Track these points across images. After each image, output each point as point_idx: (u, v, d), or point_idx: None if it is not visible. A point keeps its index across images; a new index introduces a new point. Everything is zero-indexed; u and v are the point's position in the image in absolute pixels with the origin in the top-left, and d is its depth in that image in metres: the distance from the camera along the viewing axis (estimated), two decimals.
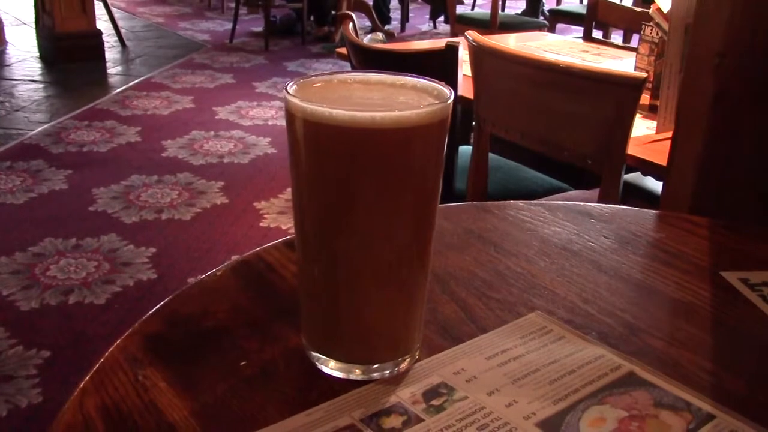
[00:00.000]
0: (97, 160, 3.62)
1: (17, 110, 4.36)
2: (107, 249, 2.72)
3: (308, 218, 0.51)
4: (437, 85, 0.51)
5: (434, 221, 0.53)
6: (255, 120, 4.36)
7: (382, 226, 0.50)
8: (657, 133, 1.68)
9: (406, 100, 0.51)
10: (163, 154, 3.72)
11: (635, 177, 2.09)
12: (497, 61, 1.68)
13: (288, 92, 0.48)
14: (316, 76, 0.51)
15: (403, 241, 0.51)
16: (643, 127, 1.72)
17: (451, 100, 0.49)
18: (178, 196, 3.22)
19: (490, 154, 2.05)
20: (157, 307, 0.60)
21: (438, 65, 1.85)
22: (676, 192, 1.17)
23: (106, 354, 0.54)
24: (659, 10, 1.73)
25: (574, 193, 2.02)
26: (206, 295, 0.63)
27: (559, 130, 1.62)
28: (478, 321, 0.61)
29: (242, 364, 0.54)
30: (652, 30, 1.84)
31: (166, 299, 0.61)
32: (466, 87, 1.89)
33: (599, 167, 1.57)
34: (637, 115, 1.77)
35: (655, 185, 2.05)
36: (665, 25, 1.72)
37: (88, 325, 2.26)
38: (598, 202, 1.60)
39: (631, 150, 1.55)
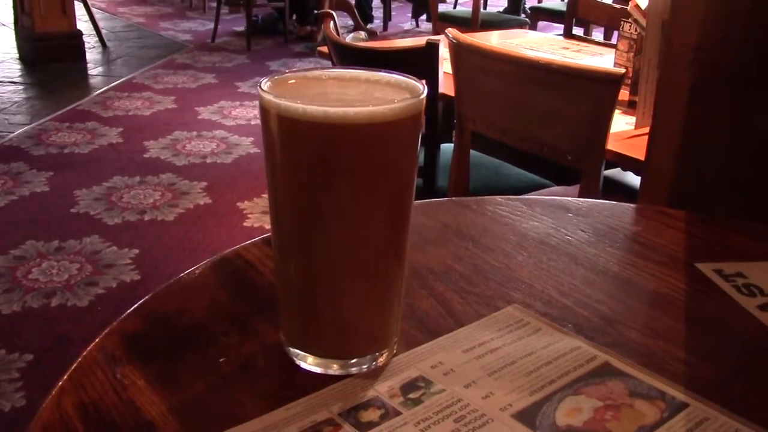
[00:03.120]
0: (78, 161, 3.60)
1: None
2: (90, 251, 2.71)
3: (283, 214, 0.52)
4: (410, 80, 0.52)
5: (410, 216, 0.54)
6: (238, 120, 4.34)
7: (357, 221, 0.50)
8: (636, 128, 1.69)
9: (380, 96, 0.51)
10: (145, 155, 3.70)
11: (615, 173, 2.10)
12: (477, 59, 1.69)
13: (262, 89, 0.48)
14: (291, 72, 0.52)
15: (378, 236, 0.51)
16: (622, 122, 1.74)
17: (424, 95, 0.49)
18: (161, 197, 3.21)
19: (472, 152, 2.06)
20: (135, 305, 0.60)
21: (419, 63, 1.86)
22: (654, 185, 1.18)
23: (84, 353, 0.54)
24: (637, 6, 1.74)
25: (555, 189, 2.03)
26: (185, 293, 0.63)
27: (540, 127, 1.63)
28: (456, 315, 0.61)
29: (221, 360, 0.54)
30: (630, 26, 1.85)
31: (145, 298, 0.61)
32: (447, 85, 1.90)
33: (579, 163, 1.59)
34: (617, 111, 1.79)
35: (635, 180, 2.06)
36: (643, 21, 1.73)
37: (71, 327, 2.25)
38: (578, 197, 1.61)
39: (611, 145, 1.56)
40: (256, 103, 4.61)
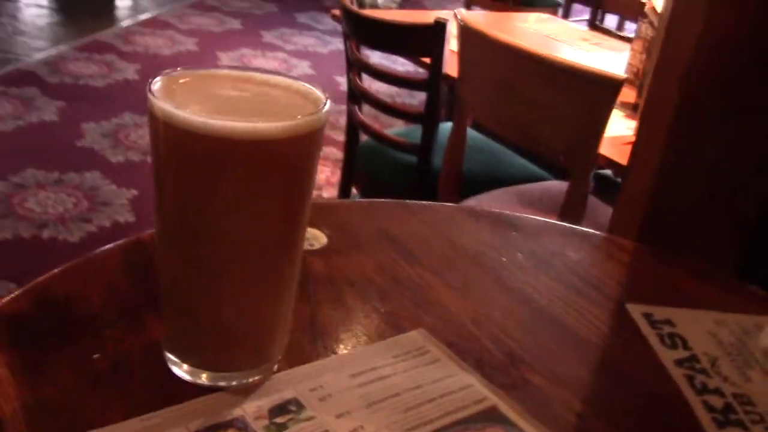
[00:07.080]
0: (91, 94, 3.58)
1: (18, 34, 4.30)
2: (88, 186, 2.70)
3: (167, 214, 0.49)
4: (311, 89, 0.48)
5: (303, 229, 0.51)
6: None
7: (241, 230, 0.47)
8: (635, 135, 1.64)
9: (272, 103, 0.48)
10: None
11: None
12: (482, 45, 1.64)
13: (150, 88, 0.46)
14: (184, 70, 0.49)
15: (264, 247, 0.49)
16: (623, 126, 1.69)
17: (323, 112, 0.46)
18: None
19: (477, 134, 2.02)
20: (29, 284, 0.58)
21: (425, 40, 1.81)
22: (630, 201, 1.14)
23: None
24: (653, 8, 1.68)
25: (551, 183, 1.99)
26: (84, 276, 0.62)
27: (536, 123, 1.59)
28: (357, 334, 0.59)
29: (95, 356, 0.52)
30: (647, 27, 1.79)
31: (40, 278, 0.60)
32: (452, 63, 1.84)
33: (570, 164, 1.54)
34: (620, 114, 1.74)
35: None
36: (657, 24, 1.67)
37: (57, 262, 2.25)
38: (566, 198, 1.57)
39: (606, 150, 1.51)
40: (278, 54, 4.59)
